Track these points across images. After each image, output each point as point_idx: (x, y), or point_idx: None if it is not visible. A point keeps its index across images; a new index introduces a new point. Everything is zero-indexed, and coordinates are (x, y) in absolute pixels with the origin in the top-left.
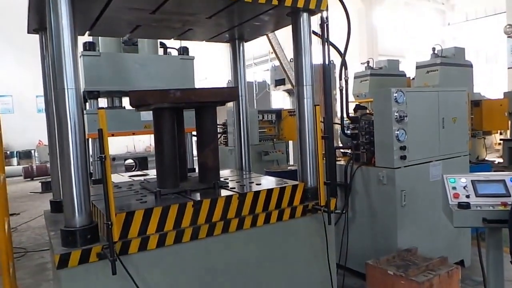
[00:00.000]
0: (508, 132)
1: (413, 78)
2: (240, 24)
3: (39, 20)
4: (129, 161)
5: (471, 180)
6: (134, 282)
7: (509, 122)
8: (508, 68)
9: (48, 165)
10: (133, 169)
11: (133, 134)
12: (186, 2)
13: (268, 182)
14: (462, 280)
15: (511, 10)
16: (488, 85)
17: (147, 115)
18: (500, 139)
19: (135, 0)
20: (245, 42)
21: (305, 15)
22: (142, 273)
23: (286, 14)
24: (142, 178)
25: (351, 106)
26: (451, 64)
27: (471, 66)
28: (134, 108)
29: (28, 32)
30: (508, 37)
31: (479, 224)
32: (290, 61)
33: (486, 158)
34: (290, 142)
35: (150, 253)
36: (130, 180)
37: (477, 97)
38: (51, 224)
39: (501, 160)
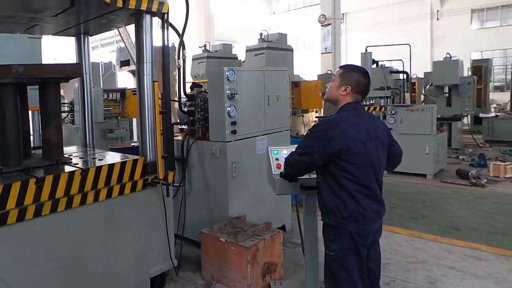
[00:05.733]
0: (322, 110)
1: (244, 61)
2: (86, 21)
3: None
4: None
5: (290, 152)
6: None
7: (323, 102)
8: (322, 53)
9: None
10: None
11: None
12: (30, 2)
13: (110, 157)
14: (284, 243)
15: (324, 2)
16: (306, 68)
17: None
18: (316, 117)
19: None
20: (91, 36)
21: (148, 16)
22: None
23: (130, 15)
24: None
25: (189, 86)
26: (276, 48)
27: (292, 50)
28: None
29: None
30: (321, 25)
31: (298, 191)
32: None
33: (304, 134)
34: (134, 120)
35: None
36: None
37: (297, 79)
38: None
39: None
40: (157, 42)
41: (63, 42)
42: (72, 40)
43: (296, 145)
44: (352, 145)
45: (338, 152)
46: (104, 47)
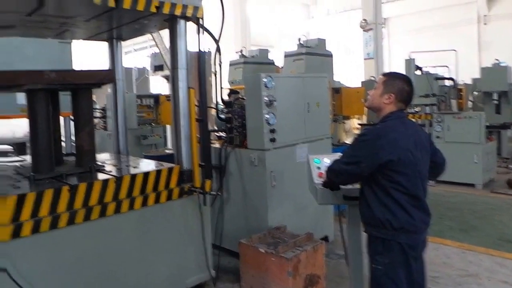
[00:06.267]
0: (365, 117)
1: (282, 67)
2: (118, 26)
3: None
4: (5, 146)
5: (334, 160)
6: (8, 273)
7: (365, 108)
8: (364, 59)
9: None
10: (10, 154)
11: (7, 117)
12: (63, 6)
13: (145, 165)
14: (327, 254)
15: (366, 6)
16: (346, 74)
17: (23, 98)
18: (358, 124)
19: (6, 4)
20: (123, 41)
21: (182, 21)
22: (16, 262)
23: (164, 20)
24: (17, 163)
25: (227, 92)
26: (315, 53)
27: (331, 56)
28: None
29: None
30: (363, 31)
31: (341, 201)
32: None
33: (346, 141)
34: (168, 126)
35: (23, 241)
36: (4, 165)
37: (337, 85)
38: None
39: None
40: (192, 47)
41: (92, 47)
42: (100, 45)
43: (338, 153)
44: (402, 155)
45: (387, 163)
46: (138, 52)
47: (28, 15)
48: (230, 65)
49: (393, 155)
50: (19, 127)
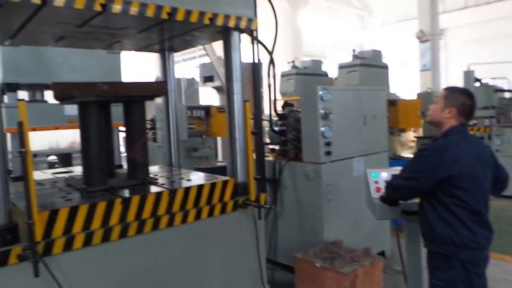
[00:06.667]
0: (421, 130)
1: (336, 78)
2: (170, 38)
3: None
4: (52, 157)
5: (392, 175)
6: (59, 284)
7: (422, 121)
8: (420, 70)
9: None
10: (56, 166)
11: (56, 128)
12: (115, 18)
13: (198, 178)
14: (384, 269)
15: (422, 16)
16: (402, 86)
17: (71, 109)
18: (414, 137)
19: (60, 15)
20: (175, 52)
21: (236, 33)
22: (67, 274)
23: (217, 32)
24: (66, 175)
25: (279, 104)
26: (370, 65)
27: (387, 67)
28: (57, 102)
29: None
30: (419, 42)
31: (399, 216)
32: (219, 58)
33: (402, 154)
34: (219, 139)
35: (75, 253)
36: (54, 177)
37: (393, 97)
38: None
39: None
40: (244, 58)
41: (136, 58)
42: (140, 55)
43: (396, 167)
44: (463, 170)
45: (448, 178)
46: (186, 62)
47: (79, 27)
48: (282, 76)
49: (454, 170)
50: (64, 137)
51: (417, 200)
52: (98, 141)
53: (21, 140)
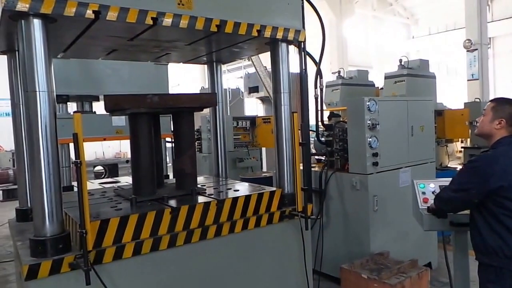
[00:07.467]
0: (469, 140)
1: (382, 88)
2: (218, 50)
3: (8, 44)
4: (99, 167)
5: (439, 186)
6: None
7: (470, 131)
8: (468, 80)
9: (10, 171)
10: (103, 176)
11: (104, 139)
12: (165, 31)
13: (245, 188)
14: (430, 281)
15: (469, 25)
16: (449, 95)
17: (118, 120)
18: (462, 147)
19: (111, 29)
20: (223, 64)
21: (283, 45)
22: (118, 283)
23: (265, 43)
24: (114, 185)
25: (325, 114)
26: (417, 75)
27: (434, 77)
28: (106, 113)
29: None
30: (467, 51)
31: (447, 228)
32: (265, 68)
33: (449, 165)
34: (264, 149)
35: (125, 262)
36: (102, 187)
37: (440, 107)
38: (17, 234)
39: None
40: (291, 68)
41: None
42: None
43: (443, 178)
44: None
45: (498, 189)
46: (231, 73)
47: (130, 40)
48: (327, 86)
49: (504, 181)
50: (110, 148)
51: (465, 212)
52: (148, 152)
53: (76, 151)
